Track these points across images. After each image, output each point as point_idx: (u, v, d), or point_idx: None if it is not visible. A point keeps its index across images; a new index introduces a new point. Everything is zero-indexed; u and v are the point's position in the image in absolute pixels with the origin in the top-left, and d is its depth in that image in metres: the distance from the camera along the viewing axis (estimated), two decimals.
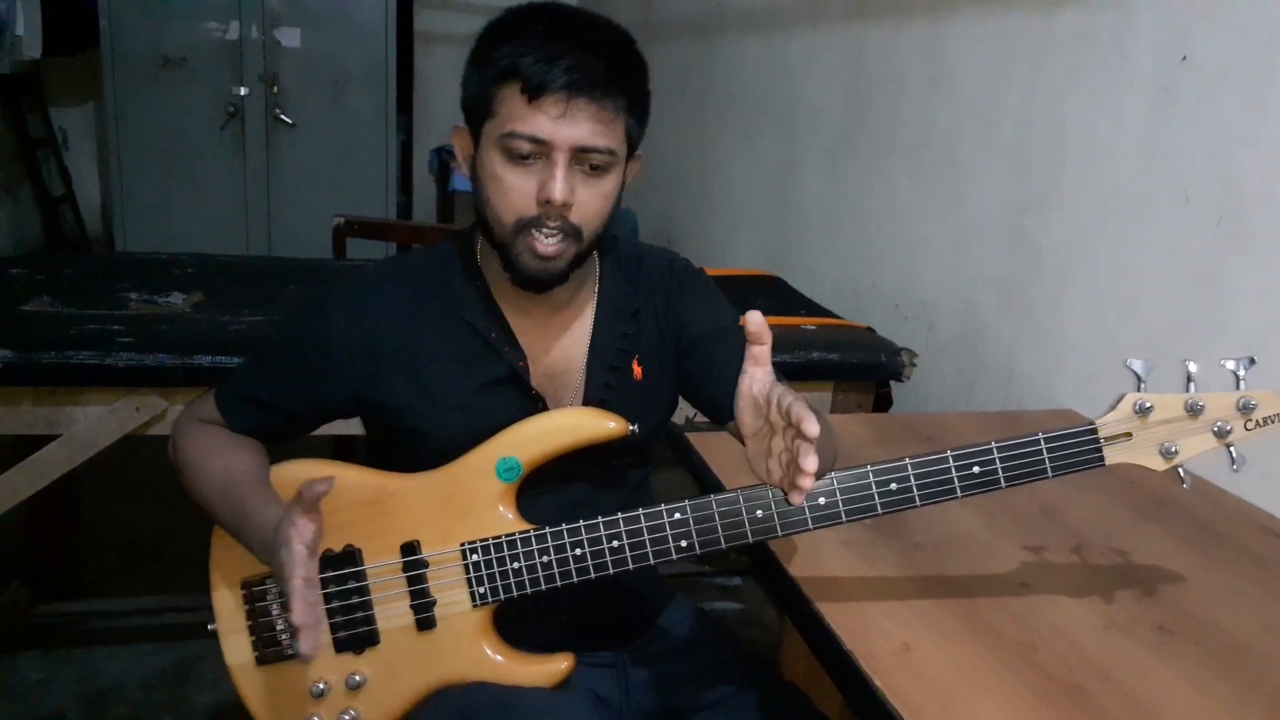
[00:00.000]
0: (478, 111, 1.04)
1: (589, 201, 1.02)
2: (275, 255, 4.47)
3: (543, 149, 0.99)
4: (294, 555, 0.93)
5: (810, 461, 0.78)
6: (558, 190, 0.99)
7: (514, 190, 1.01)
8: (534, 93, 0.98)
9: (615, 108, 1.01)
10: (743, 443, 1.12)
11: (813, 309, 2.31)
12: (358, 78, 4.64)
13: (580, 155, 1.00)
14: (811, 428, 0.77)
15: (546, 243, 1.02)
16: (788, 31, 2.98)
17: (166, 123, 4.48)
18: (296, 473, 1.11)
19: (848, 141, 2.61)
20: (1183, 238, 1.53)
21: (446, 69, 5.32)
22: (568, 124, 0.98)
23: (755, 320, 0.84)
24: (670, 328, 1.17)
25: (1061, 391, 1.80)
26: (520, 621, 1.11)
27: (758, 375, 0.87)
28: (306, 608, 0.92)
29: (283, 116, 4.55)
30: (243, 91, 4.50)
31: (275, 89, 4.52)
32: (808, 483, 0.79)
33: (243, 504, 1.06)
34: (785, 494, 0.84)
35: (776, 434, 0.86)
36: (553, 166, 1.00)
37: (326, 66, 4.58)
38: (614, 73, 1.01)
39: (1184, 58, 1.53)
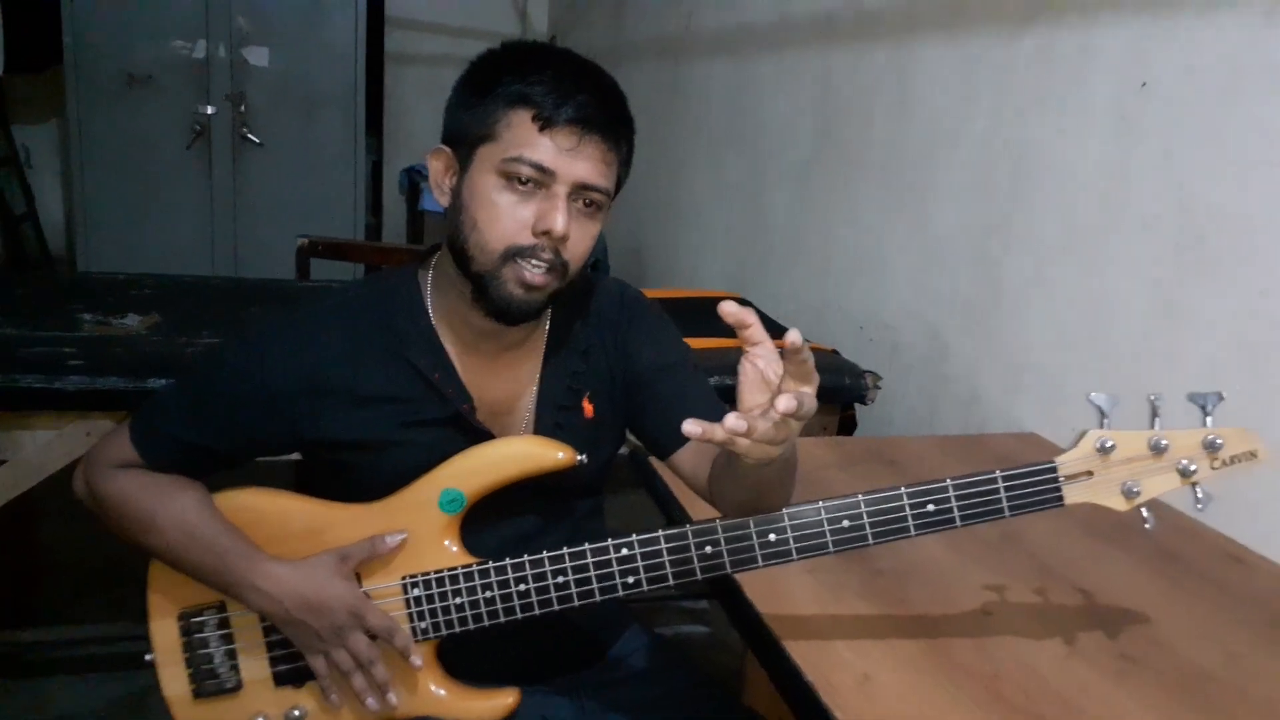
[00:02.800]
0: (473, 135, 1.01)
1: (578, 241, 1.01)
2: (238, 276, 4.41)
3: (545, 179, 0.98)
4: (398, 630, 1.04)
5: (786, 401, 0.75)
6: (559, 222, 0.98)
7: (509, 217, 0.99)
8: (547, 122, 0.97)
9: (616, 152, 1.03)
10: (682, 477, 1.11)
11: (778, 331, 2.30)
12: (327, 98, 4.60)
13: (579, 191, 1.00)
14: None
15: (535, 273, 0.99)
16: (756, 55, 2.99)
17: (131, 141, 4.42)
18: (242, 501, 1.10)
19: (814, 164, 2.62)
20: (1143, 263, 1.54)
21: (417, 90, 5.31)
22: (576, 159, 0.98)
23: (728, 310, 0.79)
24: (619, 363, 1.15)
25: (1024, 414, 1.80)
26: (467, 651, 1.09)
27: (759, 353, 0.82)
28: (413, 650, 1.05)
29: (250, 136, 4.51)
30: (209, 110, 4.45)
31: (243, 108, 4.48)
32: (783, 402, 0.76)
33: (223, 556, 1.04)
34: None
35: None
36: (554, 198, 0.98)
37: (295, 86, 4.55)
38: (620, 119, 1.03)
39: (1143, 84, 1.54)
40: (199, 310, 2.11)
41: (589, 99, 0.99)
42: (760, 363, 0.82)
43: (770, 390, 0.81)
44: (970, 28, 1.97)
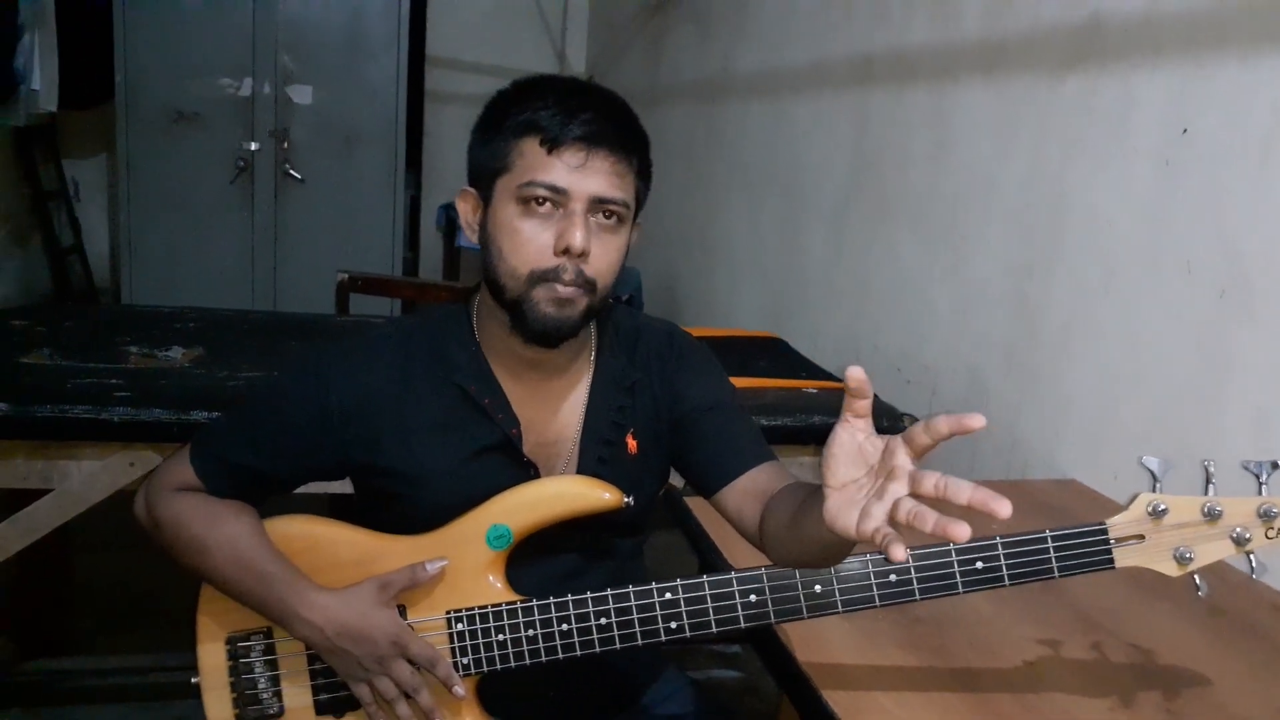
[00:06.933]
0: (490, 169, 1.04)
1: (603, 255, 1.03)
2: (278, 310, 4.47)
3: (560, 199, 1.00)
4: (440, 660, 1.04)
5: (961, 529, 0.69)
6: (578, 238, 0.99)
7: (530, 241, 1.01)
8: (553, 143, 1.00)
9: (629, 163, 1.04)
10: (726, 517, 1.11)
11: (814, 372, 2.30)
12: (368, 135, 4.69)
13: (596, 206, 1.01)
14: (963, 494, 0.71)
15: (564, 290, 1.01)
16: (793, 96, 3.01)
17: (177, 176, 4.52)
18: (289, 529, 1.11)
19: (851, 205, 2.63)
20: (1186, 308, 1.53)
21: (456, 127, 5.39)
22: (586, 174, 1.00)
23: (855, 376, 0.76)
24: (666, 401, 1.16)
25: (1065, 459, 1.78)
26: (506, 691, 1.09)
27: (860, 426, 0.79)
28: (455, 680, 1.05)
29: (292, 172, 4.59)
30: (253, 146, 4.55)
31: (285, 144, 4.57)
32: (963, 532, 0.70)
33: (269, 584, 1.05)
34: (886, 549, 0.73)
35: (894, 480, 0.76)
36: (571, 216, 1.00)
37: (337, 123, 4.64)
38: (627, 132, 1.04)
39: (1184, 130, 1.54)
40: (241, 344, 2.14)
41: (592, 115, 1.01)
42: (861, 436, 0.79)
43: (865, 467, 0.79)
44: (1010, 71, 1.98)
